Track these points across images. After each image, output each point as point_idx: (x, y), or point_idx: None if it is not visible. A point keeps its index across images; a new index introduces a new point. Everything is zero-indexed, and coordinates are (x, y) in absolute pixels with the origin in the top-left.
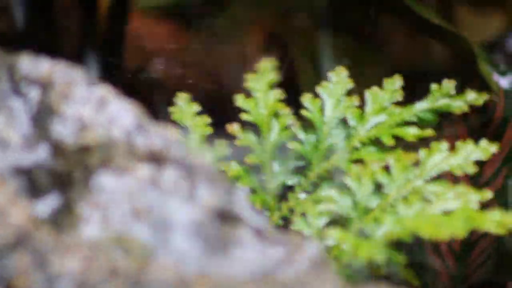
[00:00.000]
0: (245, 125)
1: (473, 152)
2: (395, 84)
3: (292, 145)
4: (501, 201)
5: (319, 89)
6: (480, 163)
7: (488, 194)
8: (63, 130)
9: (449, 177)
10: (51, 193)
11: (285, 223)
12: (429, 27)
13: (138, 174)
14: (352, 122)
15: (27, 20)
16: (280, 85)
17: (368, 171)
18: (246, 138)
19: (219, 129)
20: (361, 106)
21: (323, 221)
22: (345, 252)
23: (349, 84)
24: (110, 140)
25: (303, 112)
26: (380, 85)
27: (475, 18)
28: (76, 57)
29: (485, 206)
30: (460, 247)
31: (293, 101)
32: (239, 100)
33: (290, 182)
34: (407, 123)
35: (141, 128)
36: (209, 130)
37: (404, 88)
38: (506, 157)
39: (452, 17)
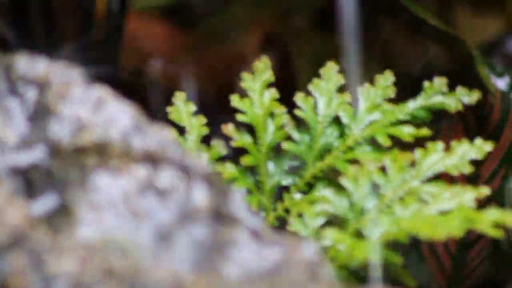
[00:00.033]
0: (242, 125)
1: (469, 152)
2: (387, 80)
3: (286, 145)
4: (499, 202)
5: (310, 87)
6: (477, 165)
7: (484, 191)
8: (60, 130)
9: (447, 179)
10: (48, 193)
11: (281, 224)
12: (426, 29)
13: (134, 174)
14: (345, 120)
15: (25, 20)
16: (279, 84)
17: (364, 172)
18: (241, 138)
19: (216, 129)
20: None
21: (319, 221)
22: (342, 253)
23: (340, 80)
24: (107, 140)
25: (297, 112)
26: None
27: (474, 20)
28: (73, 57)
29: (483, 207)
30: (457, 248)
31: (291, 102)
32: (235, 101)
33: (285, 182)
34: (402, 122)
35: (137, 129)
36: (206, 130)
37: (400, 89)
38: (504, 158)
39: (451, 18)
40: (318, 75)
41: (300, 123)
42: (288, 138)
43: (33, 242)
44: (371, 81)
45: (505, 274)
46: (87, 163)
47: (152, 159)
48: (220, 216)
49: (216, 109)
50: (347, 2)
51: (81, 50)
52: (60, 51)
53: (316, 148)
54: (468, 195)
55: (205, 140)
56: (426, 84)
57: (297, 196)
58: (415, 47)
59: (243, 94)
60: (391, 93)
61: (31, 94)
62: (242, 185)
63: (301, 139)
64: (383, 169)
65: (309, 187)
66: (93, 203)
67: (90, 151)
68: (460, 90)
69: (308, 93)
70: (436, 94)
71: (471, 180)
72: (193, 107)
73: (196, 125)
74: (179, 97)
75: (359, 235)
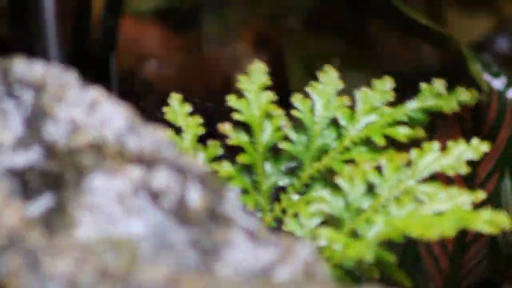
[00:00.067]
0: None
1: (465, 152)
2: (385, 85)
3: (283, 145)
4: (495, 202)
5: (309, 89)
6: (474, 165)
7: (481, 195)
8: (55, 132)
9: (443, 180)
10: (44, 194)
11: (279, 225)
12: (417, 28)
13: (129, 175)
14: (343, 122)
15: (21, 24)
16: (272, 86)
17: (360, 172)
18: (238, 138)
19: (211, 131)
20: (352, 107)
21: (315, 221)
22: (337, 253)
23: (340, 85)
24: (102, 142)
25: (294, 113)
26: (370, 86)
27: (463, 19)
28: (69, 60)
29: (479, 207)
30: (454, 248)
31: (284, 103)
32: (231, 101)
33: (282, 183)
34: (398, 123)
35: (132, 130)
36: (202, 130)
37: (394, 89)
38: (500, 159)
39: (440, 17)
40: (310, 76)
41: (296, 124)
42: (285, 138)
43: (29, 243)
44: (365, 82)
45: (502, 275)
46: (82, 164)
47: (147, 160)
48: (215, 217)
49: (211, 110)
50: (338, 3)
51: (77, 52)
52: (55, 54)
53: (313, 149)
54: (465, 197)
55: (201, 140)
56: (423, 86)
57: (295, 197)
58: (407, 47)
59: (239, 96)
60: (390, 97)
61: (27, 96)
62: (238, 184)
63: (298, 140)
64: (379, 169)
65: (306, 188)
66: (89, 204)
67: (85, 152)
68: (459, 91)
69: (303, 94)
70: (434, 96)
71: (468, 180)
72: (188, 108)
73: (192, 124)
74: (175, 98)
75: (354, 235)
